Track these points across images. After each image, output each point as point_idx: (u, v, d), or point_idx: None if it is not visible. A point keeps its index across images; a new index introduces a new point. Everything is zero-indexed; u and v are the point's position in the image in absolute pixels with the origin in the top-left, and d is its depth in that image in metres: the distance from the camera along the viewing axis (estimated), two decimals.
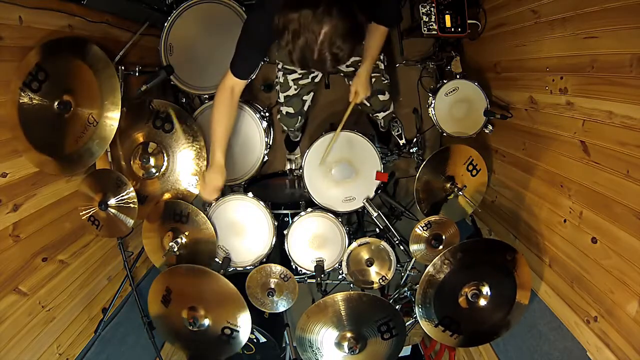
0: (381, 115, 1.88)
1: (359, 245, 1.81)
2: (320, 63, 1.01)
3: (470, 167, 1.83)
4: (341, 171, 1.81)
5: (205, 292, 1.70)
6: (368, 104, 1.81)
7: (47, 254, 1.49)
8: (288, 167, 2.37)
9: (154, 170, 1.75)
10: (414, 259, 1.82)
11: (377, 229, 1.90)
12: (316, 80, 1.78)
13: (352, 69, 1.70)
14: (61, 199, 1.58)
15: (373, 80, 1.71)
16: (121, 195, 1.63)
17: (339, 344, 1.71)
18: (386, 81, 1.76)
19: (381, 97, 1.79)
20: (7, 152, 1.37)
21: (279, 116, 1.89)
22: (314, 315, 1.66)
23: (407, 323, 1.81)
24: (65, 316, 1.57)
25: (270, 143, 2.09)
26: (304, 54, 1.00)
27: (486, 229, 2.13)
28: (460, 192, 1.78)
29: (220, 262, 1.84)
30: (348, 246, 1.81)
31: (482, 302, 1.55)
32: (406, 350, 2.76)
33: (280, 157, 2.39)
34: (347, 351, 1.68)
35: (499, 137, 1.99)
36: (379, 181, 1.80)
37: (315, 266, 1.86)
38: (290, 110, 1.80)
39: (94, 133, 1.45)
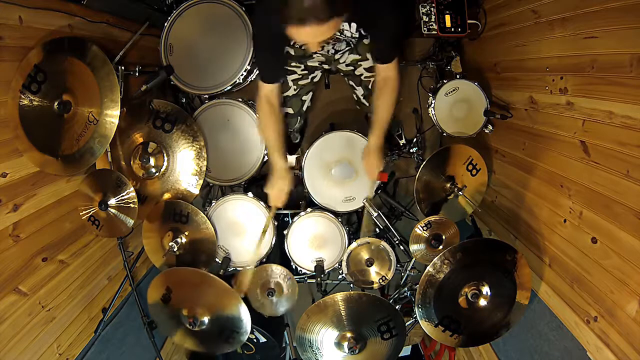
0: None
1: (359, 245, 1.81)
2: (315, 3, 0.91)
3: (470, 167, 1.83)
4: (341, 171, 1.81)
5: (205, 291, 1.70)
6: (367, 104, 1.81)
7: (47, 254, 1.49)
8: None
9: (154, 170, 1.76)
10: (414, 259, 1.82)
11: (377, 229, 1.90)
12: (315, 80, 1.78)
13: (351, 68, 1.70)
14: (61, 199, 1.58)
15: (372, 80, 1.71)
16: (121, 195, 1.63)
17: (339, 344, 1.71)
18: None
19: None
20: (7, 152, 1.36)
21: None
22: (314, 315, 1.67)
23: (407, 323, 1.81)
24: (65, 316, 1.57)
25: None
26: None
27: (486, 229, 2.13)
28: (460, 192, 1.78)
29: (220, 262, 1.85)
30: (348, 246, 1.81)
31: (482, 302, 1.55)
32: (406, 350, 2.76)
33: None
34: (347, 351, 1.68)
35: (499, 137, 1.99)
36: (379, 181, 1.80)
37: (315, 266, 1.86)
38: (290, 110, 1.80)
39: (94, 131, 1.45)
